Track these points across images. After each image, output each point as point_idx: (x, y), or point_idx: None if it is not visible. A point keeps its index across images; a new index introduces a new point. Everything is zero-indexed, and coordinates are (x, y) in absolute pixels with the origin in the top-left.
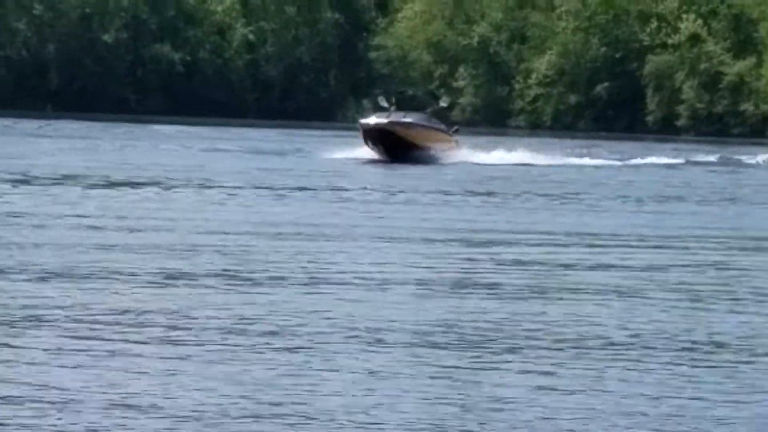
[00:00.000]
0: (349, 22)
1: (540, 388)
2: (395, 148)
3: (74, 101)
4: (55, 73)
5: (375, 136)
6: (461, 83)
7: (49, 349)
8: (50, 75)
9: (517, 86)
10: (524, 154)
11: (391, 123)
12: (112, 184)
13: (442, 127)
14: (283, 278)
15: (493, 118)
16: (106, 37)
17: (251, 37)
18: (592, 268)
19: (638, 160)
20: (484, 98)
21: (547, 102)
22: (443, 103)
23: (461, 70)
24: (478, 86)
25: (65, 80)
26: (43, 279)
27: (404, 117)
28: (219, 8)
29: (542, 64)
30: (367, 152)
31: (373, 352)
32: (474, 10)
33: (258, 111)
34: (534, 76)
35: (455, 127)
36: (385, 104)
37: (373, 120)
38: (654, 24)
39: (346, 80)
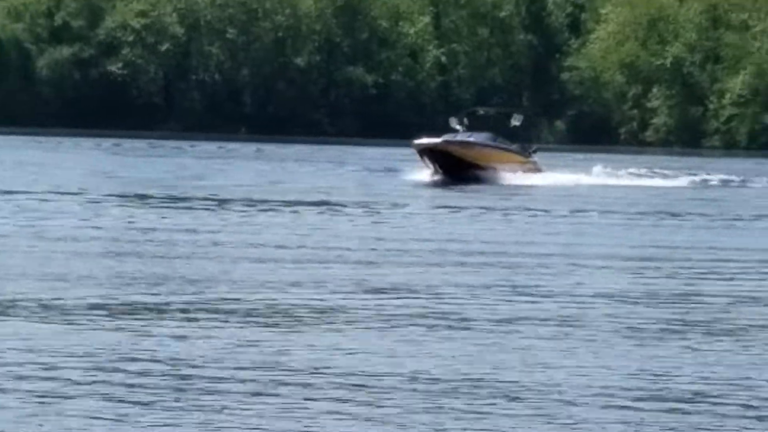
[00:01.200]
0: (541, 44)
1: None
2: (451, 166)
3: (267, 124)
4: (248, 96)
5: (429, 156)
6: (654, 103)
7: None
8: (243, 98)
9: (711, 106)
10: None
11: (444, 142)
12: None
13: (512, 147)
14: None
15: (688, 139)
16: (299, 61)
17: (443, 59)
18: None
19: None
20: (678, 119)
21: (742, 122)
22: (515, 122)
23: (654, 90)
24: (671, 107)
25: (258, 104)
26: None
27: (469, 137)
28: (412, 30)
29: (736, 84)
30: (546, 175)
31: None
32: (667, 31)
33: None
34: (728, 96)
35: (533, 148)
36: (456, 126)
37: (425, 140)
38: None
39: (538, 102)
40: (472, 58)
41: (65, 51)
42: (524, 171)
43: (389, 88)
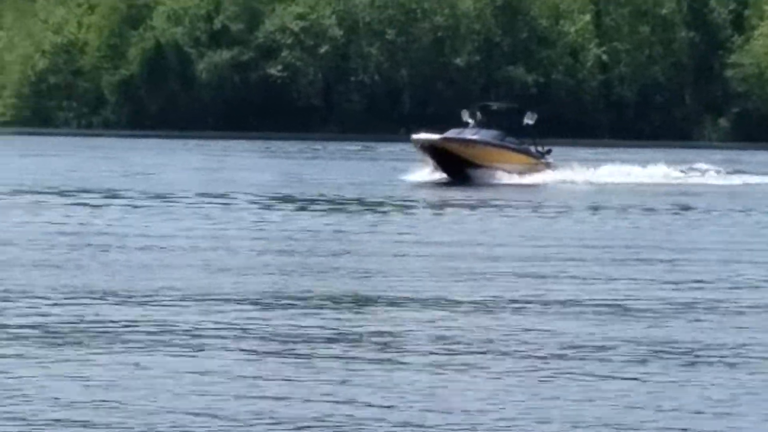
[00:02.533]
0: (704, 41)
1: None
2: (450, 164)
3: (427, 125)
4: (407, 97)
5: (428, 153)
6: None
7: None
8: (403, 99)
9: None
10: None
11: (443, 140)
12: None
13: (521, 146)
14: None
15: None
16: (458, 61)
17: (605, 57)
18: None
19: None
20: None
21: None
22: (528, 120)
23: None
24: None
25: (418, 104)
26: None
27: (475, 134)
28: (572, 29)
29: None
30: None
31: None
32: None
33: (611, 131)
34: None
35: (547, 148)
36: (468, 119)
37: (425, 135)
38: None
39: (701, 99)
40: (634, 56)
41: (225, 54)
42: (531, 171)
43: (549, 87)
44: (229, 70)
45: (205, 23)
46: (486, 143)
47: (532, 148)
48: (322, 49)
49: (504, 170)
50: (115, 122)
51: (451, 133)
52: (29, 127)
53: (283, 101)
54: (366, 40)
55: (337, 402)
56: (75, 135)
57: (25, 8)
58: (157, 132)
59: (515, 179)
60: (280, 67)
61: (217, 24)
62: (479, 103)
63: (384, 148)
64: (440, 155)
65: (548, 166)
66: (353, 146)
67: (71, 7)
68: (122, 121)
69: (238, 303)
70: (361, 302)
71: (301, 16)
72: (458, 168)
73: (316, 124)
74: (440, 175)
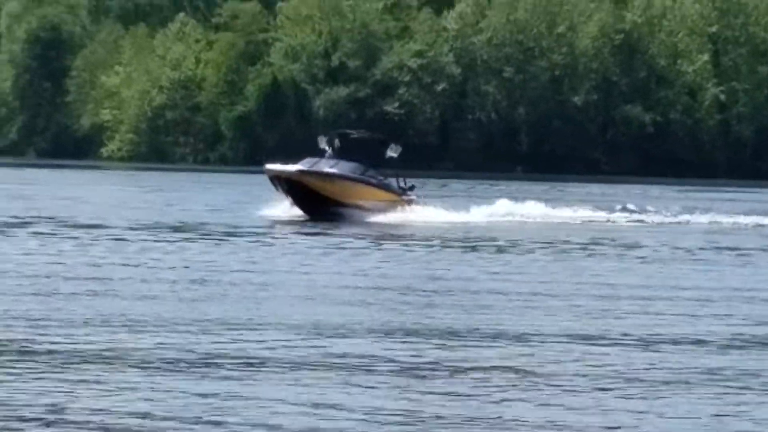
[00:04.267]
0: None
1: None
2: (307, 201)
3: (544, 163)
4: (524, 135)
5: (282, 186)
6: None
7: None
8: (520, 137)
9: None
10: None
11: (299, 173)
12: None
13: (384, 181)
14: None
15: None
16: (576, 99)
17: (722, 97)
18: None
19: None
20: None
21: None
22: (392, 153)
23: None
24: None
25: (535, 142)
26: None
27: (332, 166)
28: (690, 69)
29: None
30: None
31: None
32: None
33: (729, 171)
34: None
35: (410, 184)
36: (324, 146)
37: (280, 167)
38: None
39: None
40: (752, 96)
41: (342, 91)
42: (392, 209)
43: (667, 127)
44: (346, 106)
45: (323, 60)
46: (345, 177)
47: (394, 182)
48: (440, 87)
49: (364, 208)
50: (232, 158)
51: (306, 164)
52: (146, 163)
53: (400, 138)
54: (483, 77)
55: None
56: (191, 170)
57: (143, 44)
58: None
59: (377, 218)
60: (396, 104)
61: (335, 61)
62: (338, 129)
63: (498, 186)
64: (295, 190)
65: (410, 203)
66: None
67: (189, 43)
68: (239, 157)
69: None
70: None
71: (418, 54)
72: (314, 205)
73: (432, 161)
74: (297, 211)
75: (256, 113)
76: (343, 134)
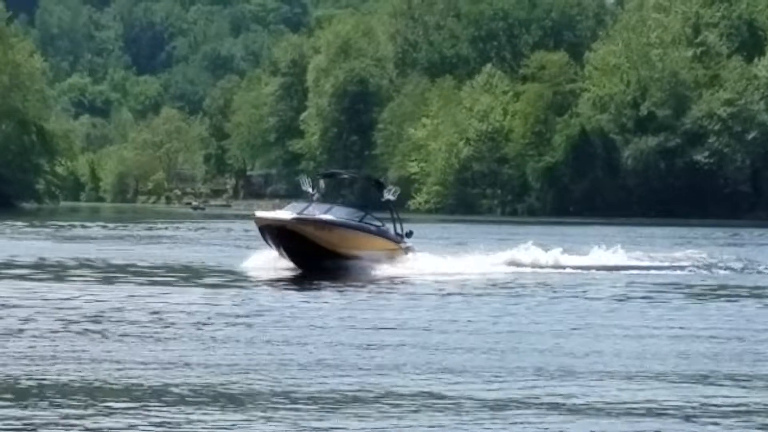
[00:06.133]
0: None
1: None
2: (302, 253)
3: None
4: None
5: (275, 236)
6: None
7: None
8: None
9: None
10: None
11: (297, 221)
12: None
13: (382, 227)
14: None
15: None
16: None
17: None
18: None
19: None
20: None
21: None
22: (389, 196)
23: None
24: None
25: None
26: None
27: (326, 212)
28: None
29: None
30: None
31: None
32: None
33: None
34: None
35: (407, 230)
36: (308, 189)
37: (271, 214)
38: None
39: None
40: None
41: (651, 141)
42: (391, 259)
43: None
44: (655, 156)
45: (631, 110)
46: (344, 225)
47: (391, 229)
48: (750, 135)
49: (362, 259)
50: (540, 209)
51: (293, 210)
52: (453, 215)
53: (710, 187)
54: None
55: None
56: (499, 222)
57: (450, 96)
58: (581, 219)
59: (381, 270)
60: (706, 153)
61: (644, 110)
62: (323, 169)
63: None
64: (288, 239)
65: (407, 251)
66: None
67: (497, 94)
68: (546, 208)
69: None
70: None
71: (729, 102)
72: (309, 256)
73: (743, 210)
74: (286, 263)
75: (564, 164)
76: (330, 174)
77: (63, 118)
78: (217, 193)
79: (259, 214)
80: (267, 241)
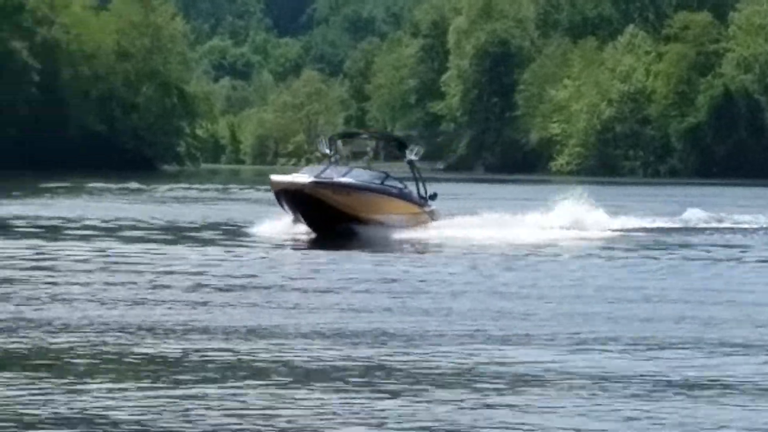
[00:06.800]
0: None
1: None
2: (320, 217)
3: None
4: None
5: (291, 201)
6: None
7: None
8: None
9: None
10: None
11: (314, 184)
12: None
13: (405, 190)
14: None
15: None
16: None
17: None
18: None
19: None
20: None
21: None
22: (412, 156)
23: None
24: None
25: None
26: None
27: (345, 175)
28: None
29: None
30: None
31: None
32: None
33: None
34: None
35: (432, 192)
36: (326, 151)
37: (288, 178)
38: None
39: None
40: None
41: None
42: (415, 223)
43: None
44: None
45: None
46: (365, 188)
47: (414, 192)
48: None
49: (384, 223)
50: (682, 170)
51: (311, 173)
52: (594, 177)
53: None
54: None
55: None
56: (640, 184)
57: (592, 57)
58: (724, 180)
59: (405, 234)
60: None
61: None
62: (343, 131)
63: None
64: (306, 204)
65: (432, 215)
66: None
67: (639, 55)
68: (688, 169)
69: None
70: None
71: None
72: (327, 221)
73: None
74: (303, 228)
75: (707, 125)
76: (349, 134)
77: (204, 81)
78: (357, 155)
79: (275, 178)
80: (283, 206)
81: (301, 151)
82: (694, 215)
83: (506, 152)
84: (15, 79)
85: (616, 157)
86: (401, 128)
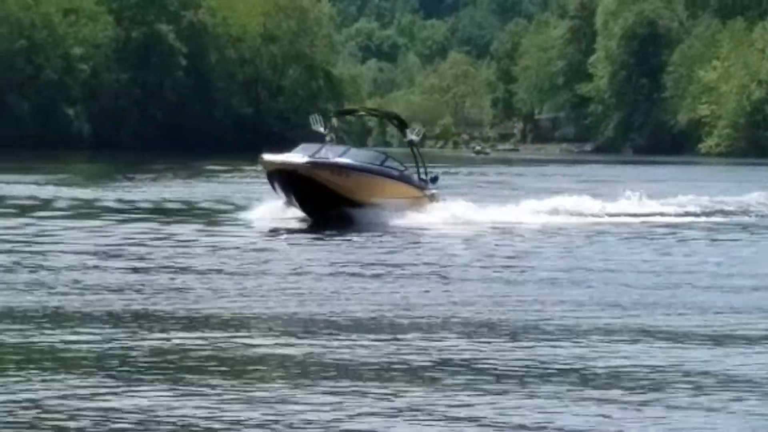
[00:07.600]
0: None
1: None
2: (314, 199)
3: None
4: None
5: (285, 182)
6: None
7: None
8: None
9: None
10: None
11: (311, 165)
12: None
13: (405, 173)
14: None
15: None
16: None
17: None
18: None
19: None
20: None
21: None
22: (413, 136)
23: None
24: None
25: None
26: None
27: (342, 155)
28: None
29: None
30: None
31: None
32: None
33: None
34: None
35: (433, 175)
36: (320, 129)
37: (281, 158)
38: None
39: None
40: None
41: None
42: (415, 207)
43: None
44: None
45: None
46: (363, 170)
47: (415, 175)
48: None
49: (382, 207)
50: None
51: (305, 152)
52: (745, 158)
53: None
54: None
55: None
56: None
57: (742, 38)
58: None
59: (404, 220)
60: None
61: None
62: (340, 108)
63: None
64: (300, 185)
65: (432, 198)
66: None
67: None
68: None
69: None
70: None
71: None
72: (322, 204)
73: None
74: (296, 212)
75: None
76: (346, 112)
77: (350, 63)
78: (504, 138)
79: (267, 157)
80: (274, 188)
81: (448, 134)
82: None
83: (654, 134)
84: (162, 62)
85: (766, 138)
86: (549, 110)
